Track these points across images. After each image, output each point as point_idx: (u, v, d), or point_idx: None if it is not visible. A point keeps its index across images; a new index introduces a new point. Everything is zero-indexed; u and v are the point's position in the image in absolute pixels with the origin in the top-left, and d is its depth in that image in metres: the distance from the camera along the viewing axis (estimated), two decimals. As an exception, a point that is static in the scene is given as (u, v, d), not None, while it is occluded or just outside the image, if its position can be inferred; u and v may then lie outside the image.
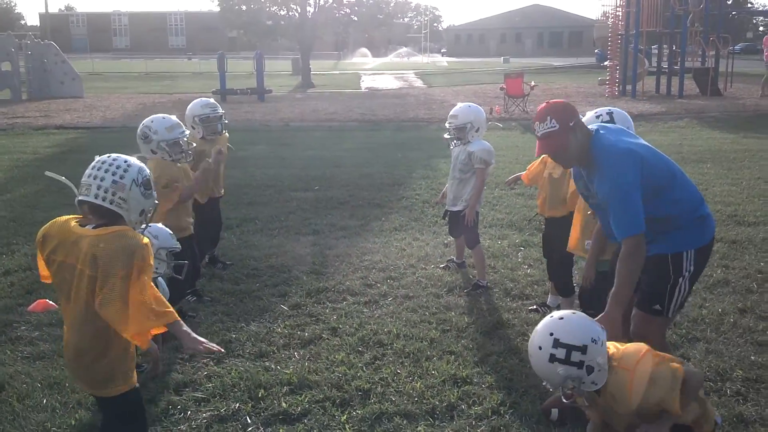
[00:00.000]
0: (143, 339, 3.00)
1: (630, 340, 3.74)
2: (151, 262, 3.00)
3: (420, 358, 4.78)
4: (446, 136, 6.28)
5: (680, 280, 3.63)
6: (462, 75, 42.65)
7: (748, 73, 30.84)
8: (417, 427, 3.95)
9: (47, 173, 3.27)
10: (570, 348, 3.10)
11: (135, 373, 3.23)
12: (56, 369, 4.65)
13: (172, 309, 3.06)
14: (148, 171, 3.15)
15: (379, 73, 48.15)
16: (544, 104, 3.72)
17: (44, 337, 5.21)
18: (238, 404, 4.20)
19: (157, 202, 3.25)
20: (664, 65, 25.95)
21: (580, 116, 3.74)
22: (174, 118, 5.56)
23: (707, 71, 24.14)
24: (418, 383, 4.43)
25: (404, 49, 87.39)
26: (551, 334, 3.14)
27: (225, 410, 4.14)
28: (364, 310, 5.68)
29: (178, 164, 5.47)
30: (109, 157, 3.13)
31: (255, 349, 4.96)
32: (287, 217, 8.68)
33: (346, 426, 3.96)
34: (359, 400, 4.26)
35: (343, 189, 10.30)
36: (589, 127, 3.71)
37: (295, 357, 4.84)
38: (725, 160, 12.18)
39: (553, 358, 3.11)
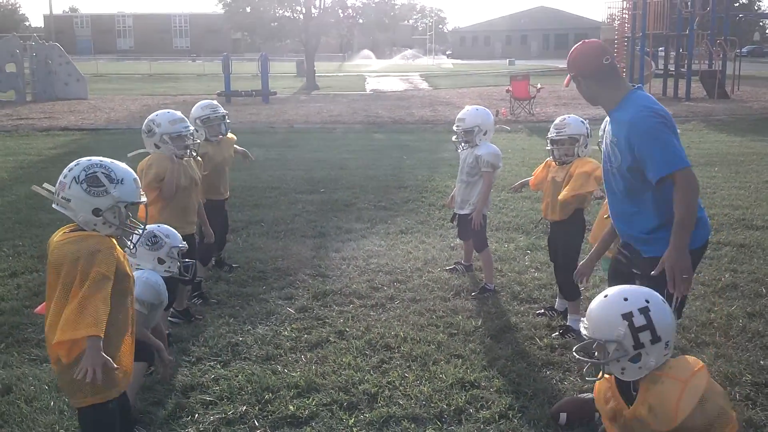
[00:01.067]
0: (63, 348, 2.94)
1: None
2: (102, 270, 2.91)
3: (427, 362, 4.76)
4: (454, 139, 6.26)
5: None
6: (467, 77, 42.64)
7: (755, 75, 30.80)
8: (425, 430, 3.93)
9: (34, 188, 3.25)
10: (650, 327, 2.82)
11: (114, 389, 3.10)
12: (63, 371, 4.64)
13: (100, 326, 2.89)
14: (100, 169, 3.05)
15: (384, 75, 48.17)
16: (578, 43, 3.81)
17: (51, 339, 5.20)
18: (245, 407, 4.18)
19: (142, 199, 3.17)
20: (671, 68, 25.91)
21: (594, 72, 3.62)
22: (179, 113, 5.57)
23: (714, 74, 24.10)
24: (426, 387, 4.41)
25: (409, 51, 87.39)
26: (647, 301, 2.86)
27: (232, 413, 4.12)
28: (371, 314, 5.67)
29: (183, 160, 5.44)
30: None
31: (262, 352, 4.94)
32: (293, 220, 8.67)
33: (354, 429, 3.94)
34: (367, 403, 4.24)
35: (349, 191, 10.29)
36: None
37: (302, 360, 4.82)
38: (733, 163, 12.15)
39: (628, 317, 2.82)
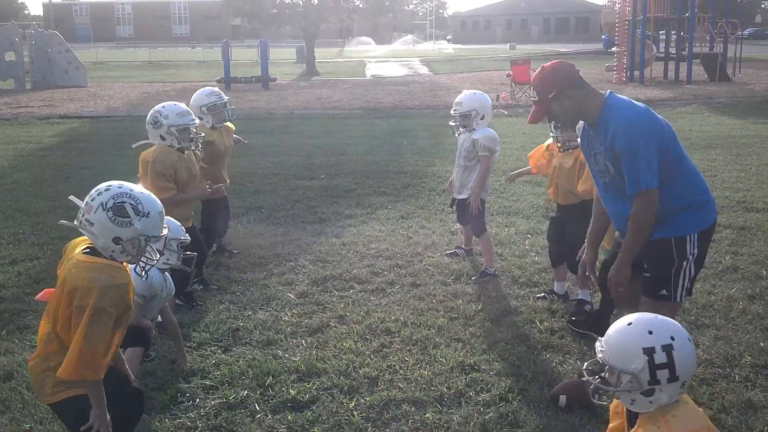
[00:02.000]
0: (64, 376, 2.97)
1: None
2: (112, 310, 2.91)
3: (427, 346, 4.77)
4: (451, 123, 6.24)
5: (684, 263, 3.60)
6: (468, 62, 42.47)
7: (756, 58, 30.66)
8: (425, 414, 3.95)
9: (71, 198, 3.28)
10: (670, 365, 2.64)
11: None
12: (64, 357, 4.66)
13: (101, 372, 2.97)
14: (129, 200, 3.02)
15: (384, 60, 48.00)
16: (538, 69, 3.76)
17: (52, 325, 5.21)
18: (246, 392, 4.20)
19: (164, 233, 3.17)
20: (672, 51, 25.79)
21: (574, 80, 3.63)
22: (185, 105, 5.58)
23: (715, 57, 24.00)
24: (426, 370, 4.42)
25: (409, 37, 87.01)
26: (672, 338, 2.67)
27: (233, 398, 4.14)
28: (371, 298, 5.68)
29: (185, 153, 5.45)
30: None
31: (263, 337, 4.96)
32: (293, 206, 8.67)
33: (354, 413, 3.96)
34: (367, 387, 4.26)
35: (349, 177, 10.28)
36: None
37: (302, 345, 4.84)
38: (734, 146, 12.12)
39: (649, 352, 2.64)
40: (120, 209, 2.99)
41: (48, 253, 6.92)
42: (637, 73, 24.36)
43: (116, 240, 3.00)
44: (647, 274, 3.70)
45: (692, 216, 3.61)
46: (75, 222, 3.06)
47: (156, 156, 5.37)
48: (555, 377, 4.31)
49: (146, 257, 3.16)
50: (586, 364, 2.99)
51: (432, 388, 4.21)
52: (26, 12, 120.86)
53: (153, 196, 3.15)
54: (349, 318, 5.27)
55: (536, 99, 3.66)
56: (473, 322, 5.18)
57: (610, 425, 3.03)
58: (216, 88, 6.66)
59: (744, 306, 5.26)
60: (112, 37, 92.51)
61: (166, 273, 4.39)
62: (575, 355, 4.59)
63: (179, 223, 4.51)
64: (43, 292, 5.78)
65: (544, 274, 6.11)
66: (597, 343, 2.79)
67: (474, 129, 6.09)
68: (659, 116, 3.61)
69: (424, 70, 37.63)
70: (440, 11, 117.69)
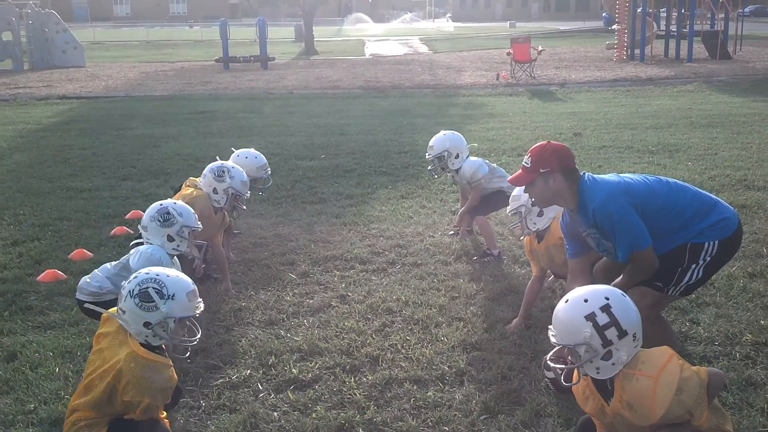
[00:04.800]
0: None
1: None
2: (158, 404, 3.12)
3: (429, 325, 4.79)
4: (429, 168, 6.41)
5: (693, 266, 3.61)
6: (468, 40, 42.22)
7: (757, 35, 30.49)
8: (427, 392, 3.97)
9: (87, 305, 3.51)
10: (614, 323, 2.80)
11: None
12: (67, 338, 4.68)
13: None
14: (152, 284, 3.13)
15: (383, 39, 47.71)
16: (542, 142, 3.86)
17: (55, 306, 5.23)
18: (249, 371, 4.22)
19: (197, 312, 3.23)
20: (673, 29, 25.62)
21: (568, 167, 3.72)
22: (246, 176, 5.55)
23: (716, 34, 23.85)
24: (428, 349, 4.44)
25: (408, 15, 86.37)
26: (606, 298, 2.84)
27: (236, 377, 4.16)
28: (373, 278, 5.69)
29: (217, 213, 5.44)
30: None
31: (265, 317, 4.97)
32: (293, 186, 8.66)
33: (356, 392, 3.98)
34: (369, 366, 4.28)
35: (349, 157, 10.26)
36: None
37: (304, 324, 4.86)
38: (735, 124, 12.08)
39: (591, 317, 2.80)
40: (145, 295, 3.11)
41: (48, 234, 6.92)
42: (637, 51, 24.23)
43: (146, 324, 3.12)
44: None
45: (715, 230, 3.63)
46: (114, 315, 3.22)
47: (194, 202, 5.09)
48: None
49: (185, 337, 3.25)
50: (548, 355, 3.08)
51: (433, 367, 4.23)
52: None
53: (182, 276, 3.24)
54: (350, 297, 5.28)
55: (528, 166, 3.74)
56: (474, 301, 5.19)
57: (586, 410, 3.08)
58: (264, 159, 6.26)
59: (744, 284, 5.27)
60: (109, 16, 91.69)
61: (175, 258, 4.38)
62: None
63: (193, 212, 4.48)
64: (45, 272, 5.82)
65: (544, 253, 6.11)
66: (549, 331, 2.93)
67: (452, 169, 6.22)
68: (627, 179, 3.71)
69: (424, 48, 37.40)
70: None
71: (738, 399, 3.79)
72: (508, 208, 4.94)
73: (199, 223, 4.49)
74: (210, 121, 14.00)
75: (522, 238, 4.96)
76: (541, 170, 3.69)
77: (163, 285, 3.13)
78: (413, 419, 3.72)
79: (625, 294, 2.93)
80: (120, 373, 3.03)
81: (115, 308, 3.34)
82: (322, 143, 11.34)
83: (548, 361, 3.07)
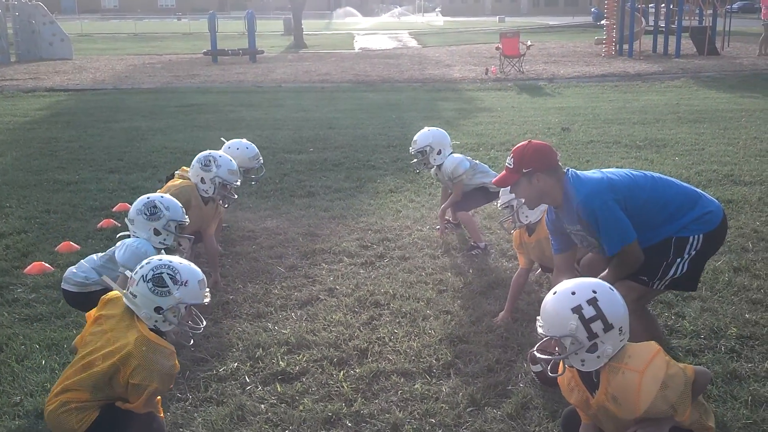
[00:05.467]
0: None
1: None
2: (162, 389, 3.16)
3: (416, 318, 4.80)
4: (413, 161, 6.48)
5: (678, 260, 3.63)
6: (457, 35, 42.21)
7: (745, 32, 30.64)
8: (414, 384, 3.98)
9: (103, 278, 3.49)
10: (600, 316, 2.82)
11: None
12: (54, 331, 4.66)
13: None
14: (166, 270, 3.18)
15: (372, 33, 47.62)
16: (523, 143, 3.88)
17: (41, 299, 5.21)
18: (236, 364, 4.22)
19: (206, 301, 3.30)
20: (661, 24, 25.71)
21: (551, 166, 3.73)
22: (236, 164, 5.57)
23: (704, 30, 23.95)
24: (415, 342, 4.46)
25: (397, 10, 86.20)
26: (594, 291, 2.87)
27: (224, 370, 4.16)
28: (361, 271, 5.69)
29: (207, 204, 5.41)
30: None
31: (252, 309, 4.97)
32: (282, 179, 8.64)
33: (344, 384, 3.99)
34: (357, 359, 4.28)
35: (338, 151, 10.25)
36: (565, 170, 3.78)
37: (292, 317, 4.86)
38: (722, 119, 12.15)
39: (578, 310, 2.82)
40: (159, 280, 3.17)
41: (35, 227, 6.88)
42: (626, 46, 24.30)
43: (157, 309, 3.17)
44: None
45: (699, 224, 3.64)
46: (124, 298, 3.25)
47: (179, 193, 5.07)
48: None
49: (191, 325, 3.31)
50: (536, 347, 3.10)
51: (421, 360, 4.25)
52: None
53: (193, 266, 3.29)
54: (338, 291, 5.29)
55: (511, 167, 3.77)
56: (462, 294, 5.21)
57: (571, 401, 3.10)
58: (255, 148, 6.36)
59: (730, 278, 5.31)
60: (96, 8, 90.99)
61: (162, 252, 4.37)
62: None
63: (181, 207, 4.46)
64: (31, 265, 5.79)
65: (532, 247, 6.14)
66: (537, 322, 2.96)
67: (434, 165, 6.29)
68: (610, 174, 3.72)
69: (413, 42, 37.37)
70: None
71: (722, 392, 3.82)
72: (498, 201, 4.95)
73: (187, 217, 4.47)
74: (198, 114, 13.94)
75: (512, 231, 4.98)
76: (524, 170, 3.72)
77: (176, 271, 3.19)
78: (400, 411, 3.74)
79: (613, 288, 2.95)
80: (129, 356, 3.06)
81: (112, 294, 3.38)
82: (310, 137, 11.31)
83: (535, 353, 3.09)
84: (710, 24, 24.59)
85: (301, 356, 4.30)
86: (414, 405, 3.80)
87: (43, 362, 4.26)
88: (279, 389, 3.96)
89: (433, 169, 6.45)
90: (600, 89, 16.89)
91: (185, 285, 3.20)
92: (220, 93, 17.43)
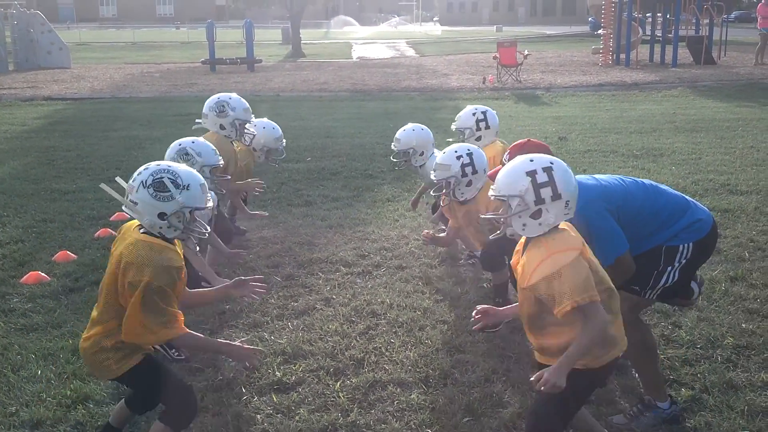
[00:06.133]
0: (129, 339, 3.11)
1: None
2: (162, 286, 3.00)
3: (413, 328, 4.80)
4: (393, 158, 6.34)
5: (669, 269, 3.62)
6: (455, 44, 42.34)
7: (742, 41, 30.76)
8: (411, 394, 3.98)
9: (102, 186, 3.32)
10: (551, 184, 2.93)
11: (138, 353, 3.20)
12: (50, 340, 4.65)
13: (174, 326, 3.10)
14: (167, 174, 3.07)
15: (370, 42, 47.75)
16: (522, 140, 3.95)
17: (37, 308, 5.20)
18: (232, 374, 4.21)
19: (208, 204, 3.19)
20: (658, 33, 25.81)
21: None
22: (247, 104, 5.95)
23: (701, 39, 24.03)
24: (412, 352, 4.45)
25: (395, 19, 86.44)
26: (551, 163, 2.99)
27: (219, 380, 4.16)
28: (357, 281, 5.69)
29: (235, 144, 5.78)
30: None
31: (249, 319, 4.97)
32: (279, 188, 8.65)
33: (340, 394, 3.99)
34: (353, 369, 4.28)
35: (335, 159, 10.26)
36: None
37: (288, 327, 4.85)
38: (718, 129, 12.18)
39: (532, 174, 2.95)
40: (159, 184, 3.05)
41: (32, 236, 6.88)
42: (623, 55, 24.39)
43: (161, 215, 3.06)
44: None
45: (689, 232, 3.63)
46: (122, 207, 3.14)
47: (215, 145, 5.20)
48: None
49: (196, 231, 3.19)
50: (484, 215, 3.28)
51: (418, 370, 4.24)
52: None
53: (193, 170, 3.19)
54: (335, 300, 5.28)
55: (506, 163, 3.77)
56: (459, 304, 5.21)
57: (513, 260, 3.24)
58: (280, 130, 6.60)
59: (726, 288, 5.32)
60: (95, 17, 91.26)
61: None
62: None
63: (215, 150, 4.63)
64: (28, 274, 5.79)
65: (529, 256, 6.14)
66: (489, 189, 3.11)
67: (416, 166, 6.12)
68: (604, 181, 3.69)
69: (411, 52, 37.48)
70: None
71: (719, 401, 3.83)
72: (433, 174, 4.96)
73: (220, 158, 4.63)
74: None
75: (443, 204, 5.07)
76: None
77: (177, 175, 3.09)
78: (397, 422, 3.73)
79: (569, 167, 3.04)
80: (121, 259, 3.02)
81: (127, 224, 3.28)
82: (308, 146, 11.33)
83: (480, 215, 3.31)
84: (707, 33, 24.67)
85: (297, 366, 4.30)
86: (410, 415, 3.80)
87: (39, 372, 4.25)
88: (275, 399, 3.96)
89: (414, 169, 6.32)
90: (597, 98, 16.94)
91: (187, 189, 3.08)
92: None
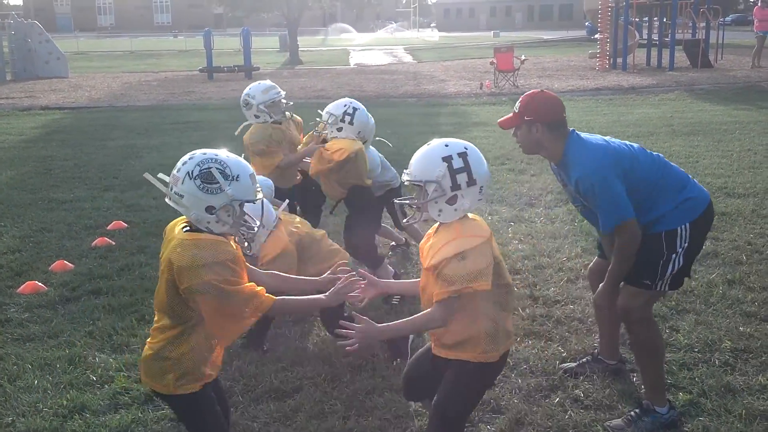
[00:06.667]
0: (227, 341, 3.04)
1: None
2: (219, 284, 2.72)
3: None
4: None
5: (674, 256, 3.61)
6: (452, 50, 42.41)
7: (738, 44, 30.83)
8: (407, 401, 3.96)
9: (146, 176, 3.05)
10: (467, 170, 2.94)
11: (200, 381, 2.97)
12: (47, 350, 4.64)
13: (263, 303, 2.87)
14: (215, 165, 2.79)
15: (368, 48, 47.84)
16: (535, 90, 3.88)
17: (34, 318, 5.19)
18: (229, 383, 4.20)
19: (258, 196, 2.92)
20: (655, 37, 25.86)
21: (554, 120, 3.69)
22: (268, 81, 6.12)
23: (698, 43, 24.09)
24: (409, 358, 4.44)
25: (393, 25, 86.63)
26: (465, 148, 2.99)
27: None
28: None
29: (282, 124, 6.00)
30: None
31: (246, 327, 4.95)
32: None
33: (338, 401, 3.97)
34: (350, 375, 4.27)
35: (333, 166, 10.24)
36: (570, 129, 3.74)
37: (286, 335, 4.84)
38: (715, 132, 12.19)
39: (448, 159, 2.94)
40: (207, 175, 2.78)
41: (29, 246, 6.87)
42: (620, 60, 24.43)
43: (209, 209, 2.80)
44: (635, 262, 3.72)
45: (681, 212, 3.63)
46: (166, 199, 2.86)
47: (252, 136, 5.89)
48: (536, 363, 4.35)
49: (245, 227, 2.96)
50: (398, 199, 3.30)
51: (415, 376, 4.23)
52: (5, 2, 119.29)
53: (241, 159, 2.93)
54: (332, 307, 5.27)
55: (516, 112, 3.78)
56: (456, 309, 5.19)
57: (421, 242, 3.22)
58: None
59: (724, 291, 5.32)
60: (93, 26, 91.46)
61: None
62: (556, 342, 4.63)
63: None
64: (25, 284, 5.78)
65: (526, 261, 6.15)
66: (404, 174, 3.06)
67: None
68: (614, 144, 3.69)
69: (408, 58, 37.54)
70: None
71: (716, 405, 3.82)
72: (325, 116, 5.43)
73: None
74: (193, 131, 13.96)
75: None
76: (526, 118, 3.71)
77: (225, 165, 2.82)
78: (394, 429, 3.72)
79: (480, 152, 3.03)
80: (171, 265, 2.76)
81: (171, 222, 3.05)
82: (305, 153, 11.30)
83: (395, 200, 3.31)
84: (704, 37, 24.74)
85: (294, 373, 4.29)
86: (408, 422, 3.79)
87: (36, 382, 4.24)
88: (272, 407, 3.94)
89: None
90: (594, 103, 16.96)
91: (237, 179, 2.82)
92: (216, 110, 17.48)
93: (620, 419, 3.73)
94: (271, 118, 5.92)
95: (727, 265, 5.87)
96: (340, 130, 5.69)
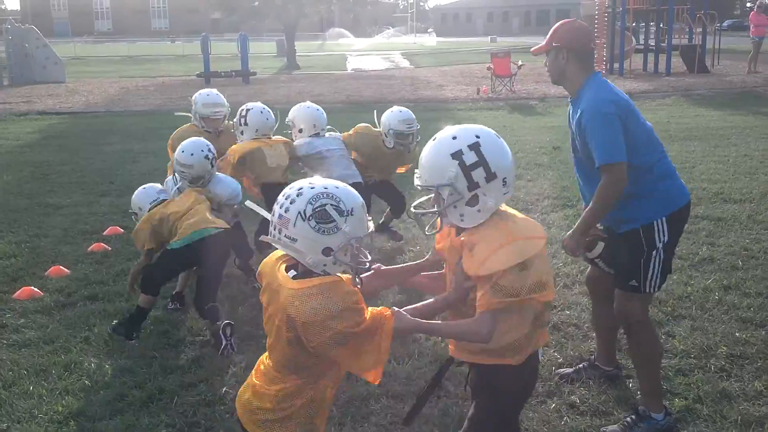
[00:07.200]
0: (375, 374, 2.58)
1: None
2: (351, 330, 2.39)
3: (407, 340, 4.78)
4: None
5: (654, 252, 3.61)
6: (449, 55, 42.49)
7: (735, 49, 30.89)
8: (404, 407, 3.96)
9: (247, 204, 2.89)
10: (482, 163, 2.54)
11: None
12: (42, 356, 4.63)
13: (385, 322, 2.49)
14: (328, 201, 2.41)
15: (365, 53, 47.89)
16: (570, 19, 3.94)
17: (30, 324, 5.18)
18: (225, 388, 4.20)
19: (370, 229, 2.54)
20: (652, 43, 25.93)
21: (582, 50, 3.72)
22: (218, 97, 6.68)
23: (694, 48, 24.15)
24: (405, 364, 4.44)
25: (390, 31, 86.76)
26: (477, 136, 2.58)
27: (212, 395, 4.14)
28: (352, 293, 5.67)
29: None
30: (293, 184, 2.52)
31: (242, 332, 4.95)
32: (274, 201, 8.63)
33: (334, 408, 3.97)
34: (346, 381, 4.25)
35: (330, 171, 10.24)
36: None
37: (282, 340, 4.83)
38: (712, 137, 12.22)
39: (458, 156, 2.55)
40: (322, 214, 2.41)
41: (25, 251, 6.86)
42: (616, 65, 24.48)
43: (326, 251, 2.44)
44: (618, 265, 3.73)
45: (657, 202, 3.62)
46: (272, 242, 2.50)
47: (178, 133, 6.27)
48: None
49: (362, 262, 2.56)
50: (414, 204, 2.79)
51: (411, 382, 4.23)
52: (2, 6, 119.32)
53: (349, 187, 2.52)
54: (329, 313, 5.26)
55: (546, 38, 3.80)
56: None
57: (438, 247, 2.89)
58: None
59: (720, 297, 5.32)
60: (90, 31, 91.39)
61: None
62: (552, 348, 4.63)
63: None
64: (20, 290, 5.77)
65: (523, 266, 6.14)
66: (414, 174, 2.69)
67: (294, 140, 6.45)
68: (634, 106, 3.70)
69: (405, 63, 37.60)
70: (421, 3, 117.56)
71: (712, 411, 3.82)
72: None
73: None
74: (191, 136, 13.94)
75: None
76: (554, 44, 3.74)
77: (339, 200, 2.43)
78: (390, 435, 3.71)
79: (499, 136, 2.64)
80: (291, 320, 2.41)
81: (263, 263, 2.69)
82: (302, 158, 11.31)
83: (412, 209, 2.77)
84: (700, 42, 24.80)
85: (290, 380, 4.28)
86: (404, 428, 3.78)
87: (31, 388, 4.23)
88: (268, 413, 3.93)
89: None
90: (591, 108, 16.96)
91: (351, 214, 2.44)
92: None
93: (616, 425, 3.73)
94: (203, 128, 6.34)
95: (723, 270, 5.87)
96: (242, 133, 6.25)
